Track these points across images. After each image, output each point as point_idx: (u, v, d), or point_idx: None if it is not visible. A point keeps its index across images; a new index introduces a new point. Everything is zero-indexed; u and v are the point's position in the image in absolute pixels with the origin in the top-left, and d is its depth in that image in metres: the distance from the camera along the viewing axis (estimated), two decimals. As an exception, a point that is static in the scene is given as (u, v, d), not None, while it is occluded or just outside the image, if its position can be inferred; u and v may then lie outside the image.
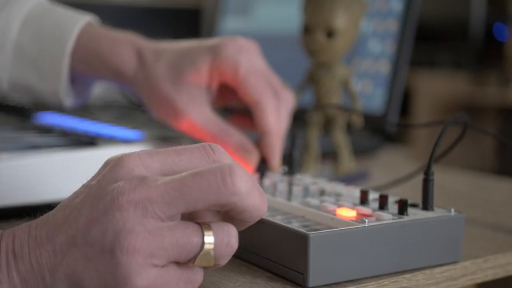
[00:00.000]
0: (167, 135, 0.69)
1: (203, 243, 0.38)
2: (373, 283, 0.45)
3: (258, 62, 0.64)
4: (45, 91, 0.67)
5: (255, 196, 0.39)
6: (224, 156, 0.41)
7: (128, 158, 0.39)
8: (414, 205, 0.51)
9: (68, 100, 0.68)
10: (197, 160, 0.40)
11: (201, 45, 0.64)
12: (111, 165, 0.39)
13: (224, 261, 0.39)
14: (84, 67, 0.67)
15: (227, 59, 0.62)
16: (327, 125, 0.76)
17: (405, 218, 0.47)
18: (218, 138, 0.62)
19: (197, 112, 0.63)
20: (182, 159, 0.40)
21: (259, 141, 0.63)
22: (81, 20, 0.67)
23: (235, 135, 0.62)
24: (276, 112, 0.63)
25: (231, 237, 0.39)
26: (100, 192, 0.38)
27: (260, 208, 0.40)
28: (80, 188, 0.40)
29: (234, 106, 0.68)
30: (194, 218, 0.40)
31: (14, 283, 0.38)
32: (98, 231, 0.37)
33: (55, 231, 0.38)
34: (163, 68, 0.64)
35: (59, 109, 0.76)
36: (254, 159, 0.62)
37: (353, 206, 0.49)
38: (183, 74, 0.63)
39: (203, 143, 0.41)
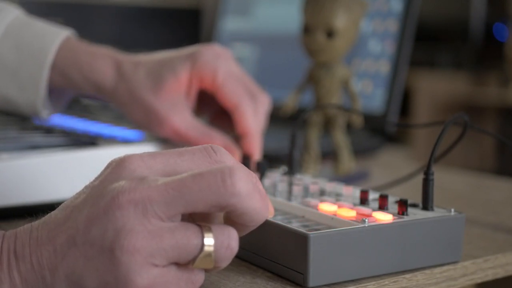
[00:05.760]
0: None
1: (203, 245, 0.38)
2: (373, 283, 0.45)
3: (234, 68, 0.67)
4: (22, 102, 0.68)
5: (255, 199, 0.39)
6: (226, 157, 0.41)
7: (130, 159, 0.39)
8: (414, 205, 0.51)
9: (45, 112, 0.69)
10: (199, 161, 0.40)
11: (179, 54, 0.66)
12: (113, 166, 0.39)
13: (224, 263, 0.39)
14: (63, 80, 0.68)
15: (205, 65, 0.65)
16: (327, 125, 0.76)
17: (405, 218, 0.47)
18: (202, 142, 0.64)
19: (179, 118, 0.65)
20: (184, 160, 0.40)
21: (240, 142, 0.66)
22: (61, 34, 0.68)
23: (218, 137, 0.65)
24: (254, 114, 0.66)
25: (231, 240, 0.39)
26: (101, 191, 0.38)
27: (261, 211, 0.40)
28: (82, 189, 0.40)
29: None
30: (196, 221, 0.40)
31: (15, 283, 0.38)
32: (98, 230, 0.37)
33: (55, 231, 0.39)
34: (142, 77, 0.66)
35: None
36: (236, 157, 0.64)
37: (353, 206, 0.49)
38: (163, 82, 0.65)
39: (205, 145, 0.41)
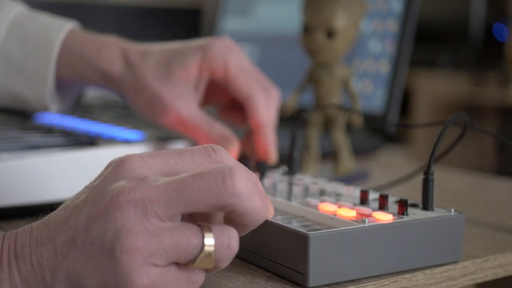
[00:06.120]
0: (167, 135, 0.69)
1: (203, 245, 0.38)
2: (373, 283, 0.45)
3: (245, 61, 0.66)
4: (30, 97, 0.68)
5: (255, 199, 0.39)
6: (226, 157, 0.41)
7: (130, 159, 0.39)
8: (414, 205, 0.51)
9: (53, 106, 0.69)
10: (199, 160, 0.40)
11: (190, 45, 0.66)
12: (113, 166, 0.39)
13: (224, 264, 0.39)
14: (70, 72, 0.67)
15: (216, 57, 0.65)
16: (327, 125, 0.76)
17: (405, 218, 0.47)
18: (203, 129, 0.64)
19: (184, 106, 0.64)
20: (184, 160, 0.40)
21: (253, 135, 0.65)
22: (65, 26, 0.68)
23: (218, 127, 0.64)
24: (267, 106, 0.65)
25: (231, 240, 0.39)
26: (101, 191, 0.38)
27: (261, 211, 0.40)
28: (82, 189, 0.40)
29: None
30: (196, 221, 0.40)
31: (16, 283, 0.38)
32: (98, 230, 0.37)
33: (56, 231, 0.39)
34: (150, 67, 0.65)
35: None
36: (235, 147, 0.63)
37: (353, 206, 0.49)
38: (172, 72, 0.65)
39: (205, 145, 0.41)
